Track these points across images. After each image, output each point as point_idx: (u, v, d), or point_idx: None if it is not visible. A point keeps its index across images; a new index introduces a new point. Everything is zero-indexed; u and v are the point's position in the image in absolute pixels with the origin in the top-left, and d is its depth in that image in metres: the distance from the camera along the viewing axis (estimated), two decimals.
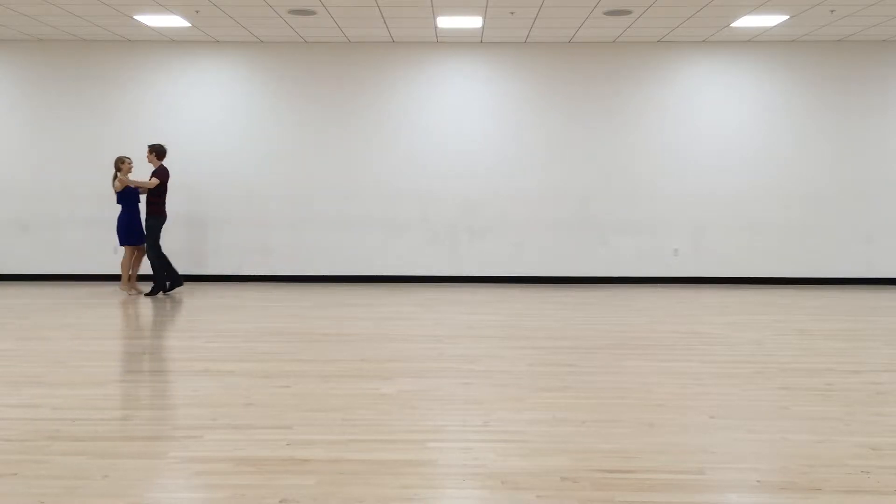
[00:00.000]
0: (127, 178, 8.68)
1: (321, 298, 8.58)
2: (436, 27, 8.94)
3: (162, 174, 8.64)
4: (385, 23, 8.72)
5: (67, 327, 6.65)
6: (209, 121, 9.92)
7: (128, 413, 4.05)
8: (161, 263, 8.65)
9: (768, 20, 8.56)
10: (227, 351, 5.69)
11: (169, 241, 9.97)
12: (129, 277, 8.85)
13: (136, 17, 8.48)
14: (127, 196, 8.74)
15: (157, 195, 8.62)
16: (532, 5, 7.92)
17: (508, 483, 3.10)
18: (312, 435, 3.69)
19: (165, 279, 8.74)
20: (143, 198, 8.85)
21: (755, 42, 9.73)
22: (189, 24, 8.82)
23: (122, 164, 8.69)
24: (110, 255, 10.00)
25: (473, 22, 8.67)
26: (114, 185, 8.72)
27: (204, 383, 4.69)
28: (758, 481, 3.13)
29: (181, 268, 9.96)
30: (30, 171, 9.95)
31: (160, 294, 8.75)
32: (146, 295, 8.69)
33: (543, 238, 9.99)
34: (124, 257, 8.84)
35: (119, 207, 8.81)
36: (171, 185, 9.35)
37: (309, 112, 9.92)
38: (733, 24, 8.79)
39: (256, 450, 3.47)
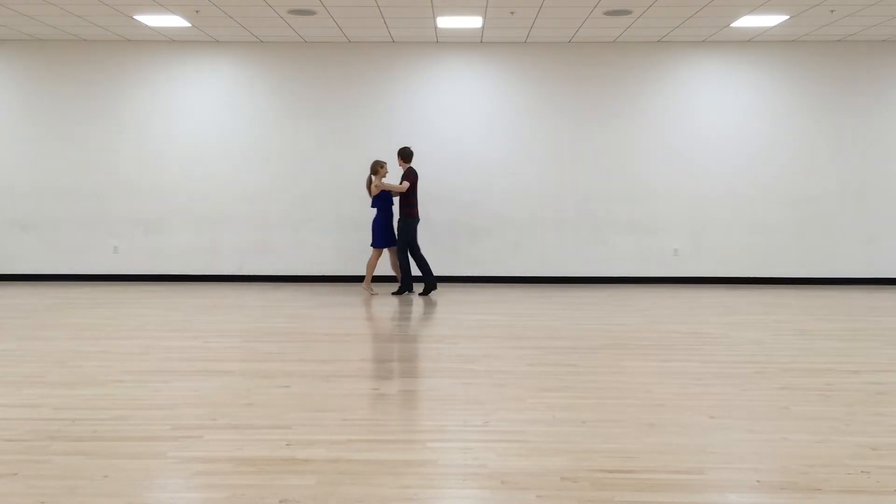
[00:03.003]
0: (382, 183, 8.66)
1: (321, 298, 8.58)
2: (436, 27, 8.94)
3: (410, 176, 8.66)
4: (385, 23, 8.71)
5: (67, 327, 6.65)
6: (209, 121, 9.92)
7: (128, 413, 4.05)
8: (418, 264, 8.76)
9: (768, 20, 8.56)
10: (227, 351, 5.69)
11: (171, 241, 9.98)
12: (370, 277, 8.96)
13: (136, 17, 8.48)
14: (382, 198, 8.72)
15: (408, 197, 8.66)
16: (532, 5, 7.92)
17: (508, 483, 3.10)
18: (312, 435, 3.69)
19: (411, 280, 8.88)
20: (396, 200, 8.89)
21: (755, 42, 9.73)
22: (189, 24, 8.82)
23: (379, 168, 8.67)
24: (110, 255, 10.01)
25: (473, 22, 8.67)
26: (369, 189, 8.71)
27: (204, 383, 4.69)
28: (758, 481, 3.13)
29: (180, 267, 9.99)
30: (30, 171, 9.95)
31: (406, 294, 8.84)
32: (392, 294, 8.82)
33: (543, 238, 9.99)
34: (371, 257, 8.86)
35: (372, 210, 8.93)
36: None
37: (309, 112, 9.92)
38: (733, 24, 8.79)
39: (256, 450, 3.47)
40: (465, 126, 9.90)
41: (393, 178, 9.20)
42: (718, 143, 9.89)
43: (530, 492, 3.01)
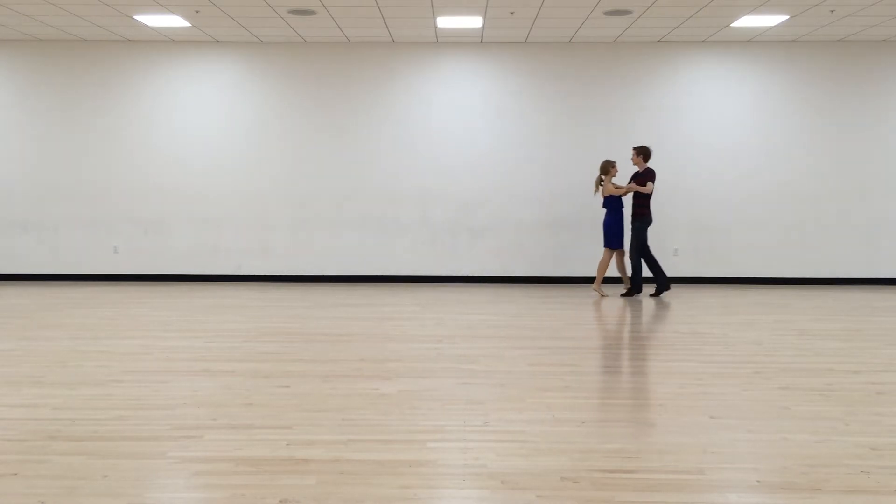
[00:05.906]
0: (630, 186, 8.60)
1: (321, 298, 8.57)
2: (436, 27, 8.94)
3: (650, 176, 8.56)
4: (385, 23, 8.71)
5: (67, 327, 6.65)
6: (209, 121, 9.92)
7: (127, 413, 4.05)
8: (649, 265, 8.65)
9: (768, 20, 8.56)
10: (227, 351, 5.69)
11: (171, 241, 9.98)
12: (623, 278, 8.90)
13: (136, 17, 8.48)
14: (612, 198, 8.68)
15: (644, 197, 8.58)
16: (532, 5, 7.92)
17: (508, 483, 3.10)
18: (312, 435, 3.69)
19: (642, 281, 8.83)
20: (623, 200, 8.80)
21: (755, 42, 9.73)
22: (189, 24, 8.82)
23: (610, 168, 8.65)
24: (110, 255, 10.01)
25: (473, 22, 8.67)
26: (600, 190, 8.67)
27: (204, 383, 4.69)
28: (758, 481, 3.13)
29: (180, 267, 9.99)
30: (30, 171, 9.95)
31: (636, 295, 8.77)
32: (622, 295, 8.76)
33: (543, 238, 9.99)
34: (602, 258, 8.81)
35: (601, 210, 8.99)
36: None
37: (309, 112, 9.92)
38: (733, 24, 8.79)
39: (256, 450, 3.47)
40: (465, 126, 9.90)
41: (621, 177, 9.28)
42: (718, 143, 9.89)
43: (530, 492, 3.01)
